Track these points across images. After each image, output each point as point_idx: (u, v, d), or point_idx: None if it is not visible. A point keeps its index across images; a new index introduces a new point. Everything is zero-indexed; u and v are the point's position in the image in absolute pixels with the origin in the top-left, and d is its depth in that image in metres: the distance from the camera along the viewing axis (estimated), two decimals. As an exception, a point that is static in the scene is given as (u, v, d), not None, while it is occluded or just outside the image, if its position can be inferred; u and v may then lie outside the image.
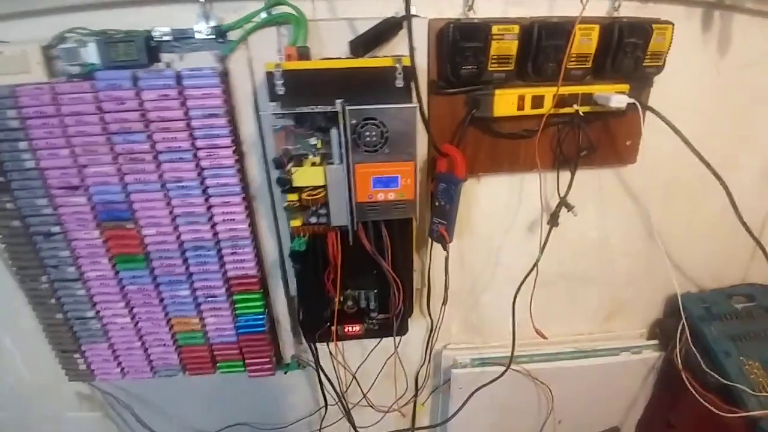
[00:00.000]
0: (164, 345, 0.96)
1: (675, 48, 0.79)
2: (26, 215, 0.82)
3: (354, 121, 0.65)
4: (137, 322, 0.93)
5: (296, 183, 0.68)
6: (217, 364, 0.99)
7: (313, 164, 0.68)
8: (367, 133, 0.66)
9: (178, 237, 0.86)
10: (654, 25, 0.75)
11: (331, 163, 0.69)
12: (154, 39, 0.73)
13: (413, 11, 0.74)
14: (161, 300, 0.91)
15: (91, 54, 0.72)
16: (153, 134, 0.77)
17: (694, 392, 0.95)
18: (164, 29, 0.72)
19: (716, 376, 0.93)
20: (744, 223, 0.87)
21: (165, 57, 0.75)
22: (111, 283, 0.89)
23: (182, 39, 0.74)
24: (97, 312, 0.91)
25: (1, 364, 1.04)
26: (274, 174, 0.80)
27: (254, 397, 1.12)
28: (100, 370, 0.98)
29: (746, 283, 1.10)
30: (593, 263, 1.05)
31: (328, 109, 0.65)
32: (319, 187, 0.70)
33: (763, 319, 1.02)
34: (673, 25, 0.77)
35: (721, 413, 0.91)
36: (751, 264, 1.08)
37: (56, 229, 0.83)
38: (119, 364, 0.98)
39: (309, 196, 0.70)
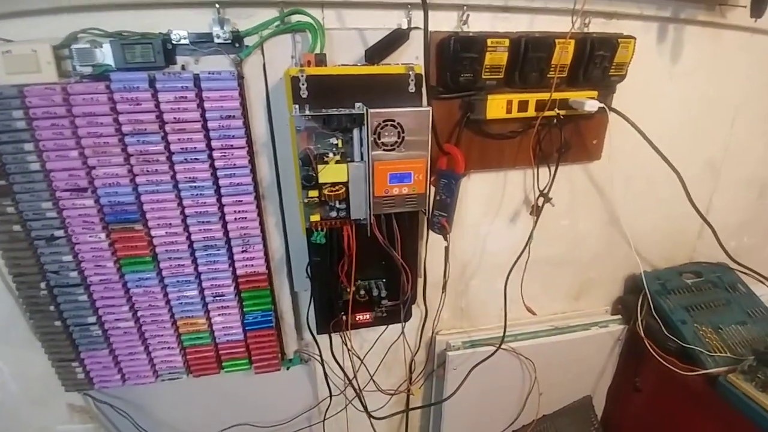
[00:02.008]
0: (168, 347, 0.96)
1: (634, 58, 0.93)
2: (28, 219, 0.80)
3: (375, 123, 0.71)
4: (141, 326, 0.93)
5: (322, 179, 0.73)
6: (223, 364, 1.01)
7: (337, 162, 0.73)
8: (386, 134, 0.73)
9: (188, 237, 0.87)
10: (619, 40, 0.89)
11: (351, 161, 0.75)
12: (172, 42, 0.75)
13: (413, 24, 0.83)
14: (167, 301, 0.92)
15: (105, 55, 0.73)
16: (168, 135, 0.78)
17: (657, 357, 1.10)
18: (182, 33, 0.75)
19: (676, 340, 1.09)
20: (695, 206, 1.03)
21: (180, 60, 0.77)
22: (116, 286, 0.88)
23: (199, 42, 0.76)
24: (99, 317, 0.90)
25: (-14, 378, 0.98)
26: (287, 173, 0.86)
27: (255, 396, 1.14)
28: (100, 377, 0.96)
29: (693, 261, 1.29)
30: (565, 248, 1.18)
31: (354, 111, 0.71)
32: (339, 183, 0.76)
33: (710, 292, 1.21)
34: (635, 39, 0.90)
35: (682, 372, 1.06)
36: (696, 244, 1.27)
37: (59, 233, 0.82)
38: (120, 370, 0.96)
39: (330, 191, 0.75)
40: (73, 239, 0.83)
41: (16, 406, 1.02)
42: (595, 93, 0.94)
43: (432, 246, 1.00)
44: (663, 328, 1.13)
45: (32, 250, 0.82)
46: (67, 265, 0.84)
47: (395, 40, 0.80)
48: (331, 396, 1.09)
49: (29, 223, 0.80)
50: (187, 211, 0.85)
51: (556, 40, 0.86)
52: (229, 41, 0.77)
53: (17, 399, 1.01)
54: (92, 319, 0.90)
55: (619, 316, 1.26)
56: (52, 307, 0.87)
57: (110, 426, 1.08)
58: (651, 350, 1.13)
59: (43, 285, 0.85)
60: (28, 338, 0.90)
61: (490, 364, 1.11)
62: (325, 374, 1.05)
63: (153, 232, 0.85)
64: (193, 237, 0.87)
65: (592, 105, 0.89)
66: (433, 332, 1.13)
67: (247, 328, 0.97)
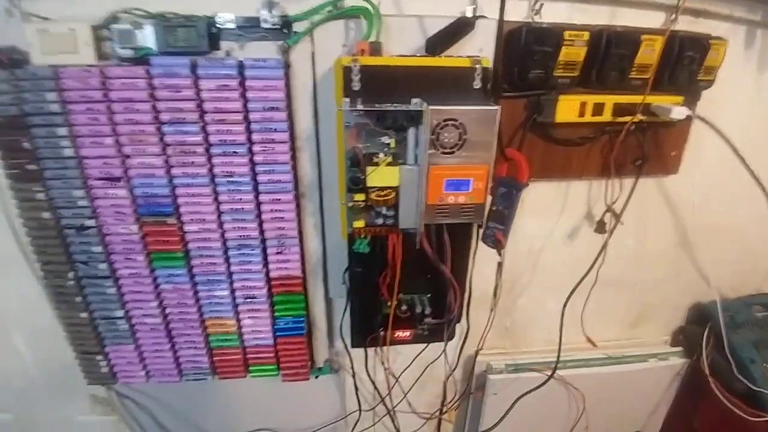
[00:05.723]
0: (195, 347, 0.92)
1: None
2: (58, 207, 0.76)
3: (435, 122, 0.63)
4: (168, 323, 0.89)
5: (370, 183, 0.65)
6: (250, 368, 0.95)
7: (389, 164, 0.65)
8: (446, 135, 0.64)
9: (222, 234, 0.81)
10: (711, 41, 0.77)
11: (404, 164, 0.67)
12: (216, 26, 0.68)
13: (479, 12, 0.74)
14: (197, 300, 0.87)
15: (147, 37, 0.68)
16: (207, 126, 0.72)
17: (722, 397, 0.98)
18: (228, 16, 0.68)
19: (745, 381, 0.96)
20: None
21: (224, 45, 0.71)
22: (145, 281, 0.84)
23: (245, 27, 0.70)
24: (127, 311, 0.86)
25: (11, 364, 0.96)
26: (329, 172, 0.79)
27: (280, 402, 1.08)
28: (124, 372, 0.92)
29: (762, 292, 1.14)
30: (626, 269, 1.06)
31: (411, 108, 0.62)
32: (389, 187, 0.68)
33: (782, 328, 1.06)
34: (728, 41, 0.78)
35: (747, 417, 0.94)
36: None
37: (90, 222, 0.78)
38: (145, 366, 0.92)
39: (378, 196, 0.67)
40: (104, 230, 0.79)
41: (37, 393, 1.00)
42: (680, 99, 0.83)
43: (479, 258, 0.91)
44: (734, 366, 1.00)
45: (61, 238, 0.78)
46: (96, 256, 0.80)
47: (459, 29, 0.71)
48: (360, 410, 1.02)
49: (59, 210, 0.76)
50: (222, 207, 0.79)
51: (643, 37, 0.75)
52: (278, 26, 0.70)
53: (39, 387, 0.99)
54: (119, 313, 0.86)
55: (680, 349, 1.13)
56: (78, 299, 0.83)
57: (131, 420, 1.06)
58: (716, 390, 1.01)
59: (71, 275, 0.81)
60: (53, 327, 0.87)
61: (535, 391, 1.01)
62: (356, 387, 0.98)
63: (186, 227, 0.80)
64: (227, 234, 0.81)
65: (679, 112, 0.77)
66: (476, 352, 1.04)
67: (277, 333, 0.91)
